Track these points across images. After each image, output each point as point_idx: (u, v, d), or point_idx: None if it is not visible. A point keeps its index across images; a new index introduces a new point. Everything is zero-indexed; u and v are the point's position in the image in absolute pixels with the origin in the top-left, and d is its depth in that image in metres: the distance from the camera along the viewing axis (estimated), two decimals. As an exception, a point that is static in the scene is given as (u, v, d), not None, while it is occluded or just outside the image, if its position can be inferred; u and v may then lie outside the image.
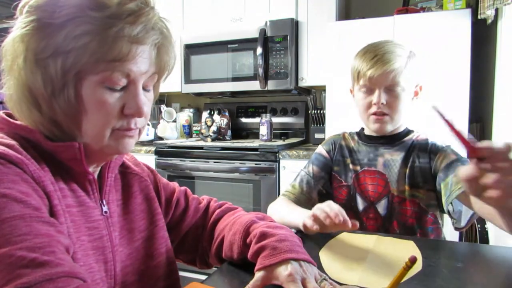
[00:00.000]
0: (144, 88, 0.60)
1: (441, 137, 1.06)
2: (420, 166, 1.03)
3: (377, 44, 1.02)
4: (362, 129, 1.16)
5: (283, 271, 0.59)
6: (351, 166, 1.10)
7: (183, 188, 0.86)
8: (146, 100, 0.60)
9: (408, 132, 1.09)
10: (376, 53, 0.98)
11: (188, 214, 0.83)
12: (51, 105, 0.55)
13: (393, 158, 1.06)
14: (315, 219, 0.81)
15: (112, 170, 0.67)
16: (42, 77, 0.53)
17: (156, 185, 0.79)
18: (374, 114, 1.00)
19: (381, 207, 1.05)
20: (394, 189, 1.04)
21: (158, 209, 0.75)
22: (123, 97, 0.57)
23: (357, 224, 0.79)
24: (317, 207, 0.83)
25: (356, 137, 1.14)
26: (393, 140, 1.07)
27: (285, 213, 0.99)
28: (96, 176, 0.65)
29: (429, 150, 1.02)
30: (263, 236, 0.66)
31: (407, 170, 1.03)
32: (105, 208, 0.63)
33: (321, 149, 1.17)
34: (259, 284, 0.60)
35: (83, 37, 0.52)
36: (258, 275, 0.61)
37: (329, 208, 0.80)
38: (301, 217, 0.87)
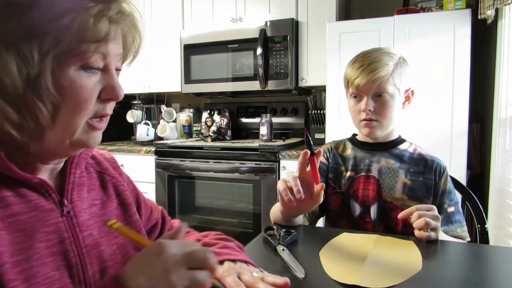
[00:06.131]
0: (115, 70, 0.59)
1: (429, 147, 1.13)
2: (424, 182, 1.05)
3: (365, 53, 1.06)
4: (354, 135, 1.18)
5: (219, 269, 0.63)
6: (344, 173, 1.12)
7: (159, 208, 0.83)
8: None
9: (401, 140, 1.12)
10: (363, 62, 1.03)
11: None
12: (23, 95, 0.49)
13: (389, 165, 1.08)
14: (283, 203, 0.88)
15: (77, 166, 0.63)
16: (14, 63, 0.48)
17: (137, 197, 0.76)
18: (364, 120, 1.05)
19: (372, 211, 1.06)
20: (388, 195, 1.06)
21: (135, 216, 0.71)
22: (100, 81, 0.55)
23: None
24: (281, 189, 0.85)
25: (349, 144, 1.16)
26: (388, 147, 1.10)
27: (277, 208, 1.02)
28: (57, 171, 0.61)
29: (435, 168, 1.06)
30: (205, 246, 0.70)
31: (410, 182, 1.06)
32: (66, 208, 0.58)
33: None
34: None
35: (64, 17, 0.49)
36: None
37: (293, 183, 0.83)
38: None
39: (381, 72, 1.00)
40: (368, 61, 1.02)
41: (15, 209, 0.51)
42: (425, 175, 1.06)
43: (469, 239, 1.03)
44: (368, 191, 1.07)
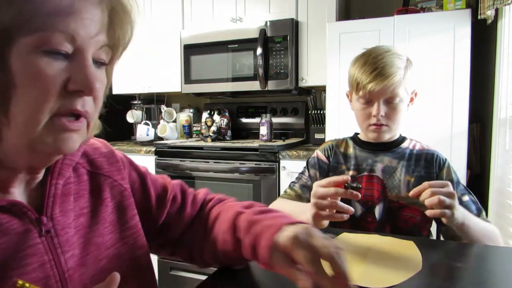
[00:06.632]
0: (96, 61, 0.47)
1: (429, 143, 1.12)
2: (427, 176, 1.05)
3: (376, 55, 1.01)
4: (356, 134, 1.17)
5: (281, 238, 0.53)
6: (346, 172, 1.11)
7: (177, 181, 0.75)
8: (98, 75, 0.46)
9: (403, 139, 1.12)
10: (376, 66, 0.99)
11: (186, 211, 0.73)
12: None
13: (392, 165, 1.08)
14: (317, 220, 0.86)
15: (59, 176, 0.53)
16: None
17: (143, 182, 0.68)
18: (374, 125, 1.03)
19: (377, 211, 1.06)
20: (393, 195, 1.05)
21: (133, 220, 0.63)
22: (67, 69, 0.43)
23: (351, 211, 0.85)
24: (313, 207, 0.85)
25: (351, 143, 1.15)
26: (391, 146, 1.10)
27: (288, 210, 1.00)
28: (38, 179, 0.52)
29: (435, 161, 1.06)
30: (251, 223, 0.60)
31: (413, 179, 1.05)
32: (46, 227, 0.49)
33: (319, 154, 1.17)
34: (285, 264, 0.53)
35: None
36: (276, 257, 0.53)
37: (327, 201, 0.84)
38: (306, 214, 0.89)
39: (395, 78, 0.98)
40: (382, 65, 0.98)
41: None
42: (426, 169, 1.06)
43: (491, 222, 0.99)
44: (372, 191, 1.06)
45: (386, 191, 1.06)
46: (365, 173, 1.09)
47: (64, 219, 0.52)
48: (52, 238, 0.50)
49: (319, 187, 0.84)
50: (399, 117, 1.03)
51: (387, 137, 1.06)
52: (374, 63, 0.99)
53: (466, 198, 1.02)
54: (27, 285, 0.41)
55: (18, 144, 0.44)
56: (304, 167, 1.18)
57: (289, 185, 1.15)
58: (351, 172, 1.10)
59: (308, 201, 1.07)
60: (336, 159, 1.14)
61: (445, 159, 1.07)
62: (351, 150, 1.14)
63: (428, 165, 1.06)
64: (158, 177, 0.74)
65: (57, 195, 0.52)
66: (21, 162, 0.47)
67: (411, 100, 1.08)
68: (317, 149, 1.19)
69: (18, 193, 0.50)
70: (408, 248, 0.81)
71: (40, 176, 0.52)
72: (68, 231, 0.52)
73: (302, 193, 1.11)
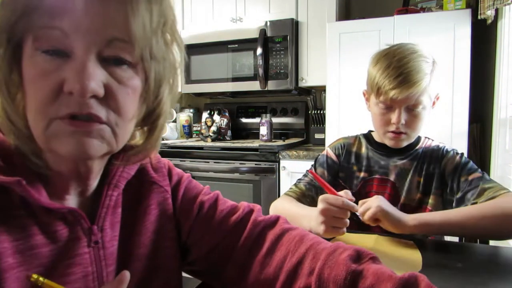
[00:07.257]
0: (108, 59, 0.42)
1: (440, 140, 1.09)
2: (432, 173, 1.02)
3: (401, 57, 0.93)
4: (370, 132, 1.14)
5: None
6: (357, 173, 1.08)
7: (214, 192, 0.65)
8: (98, 74, 0.41)
9: (418, 140, 1.08)
10: (400, 71, 0.91)
11: (210, 227, 0.61)
12: None
13: (406, 167, 1.04)
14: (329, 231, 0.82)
15: (115, 189, 0.52)
16: None
17: (175, 188, 0.62)
18: (392, 132, 0.98)
19: None
20: (404, 198, 1.03)
21: (172, 232, 0.59)
22: (65, 69, 0.40)
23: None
24: (325, 218, 0.82)
25: (364, 142, 1.11)
26: (406, 150, 1.05)
27: (293, 213, 0.95)
28: (92, 189, 0.51)
29: (440, 155, 1.03)
30: None
31: (422, 179, 1.02)
32: (95, 237, 0.48)
33: (330, 152, 1.14)
34: None
35: None
36: None
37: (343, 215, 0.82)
38: (312, 224, 0.85)
39: (421, 86, 0.90)
40: (407, 70, 0.90)
41: (37, 240, 0.43)
42: (432, 165, 1.02)
43: None
44: (383, 194, 1.03)
45: (399, 195, 1.03)
46: (377, 176, 1.06)
47: (111, 232, 0.51)
48: (98, 250, 0.49)
49: (330, 205, 0.82)
50: (420, 125, 0.98)
51: (405, 144, 1.02)
52: (399, 67, 0.91)
53: (471, 177, 0.95)
54: (41, 279, 0.40)
55: (44, 150, 0.44)
56: (312, 165, 1.15)
57: (295, 182, 1.13)
58: (362, 174, 1.07)
59: (312, 199, 1.06)
60: (347, 158, 1.10)
61: (448, 150, 1.03)
62: (363, 150, 1.10)
63: (434, 161, 1.02)
64: (196, 187, 0.65)
65: (110, 206, 0.51)
66: (62, 168, 0.46)
67: (433, 104, 1.01)
68: (327, 147, 1.16)
69: (72, 200, 0.49)
70: (408, 248, 0.81)
71: (93, 184, 0.51)
72: (114, 244, 0.51)
73: (306, 191, 1.09)
